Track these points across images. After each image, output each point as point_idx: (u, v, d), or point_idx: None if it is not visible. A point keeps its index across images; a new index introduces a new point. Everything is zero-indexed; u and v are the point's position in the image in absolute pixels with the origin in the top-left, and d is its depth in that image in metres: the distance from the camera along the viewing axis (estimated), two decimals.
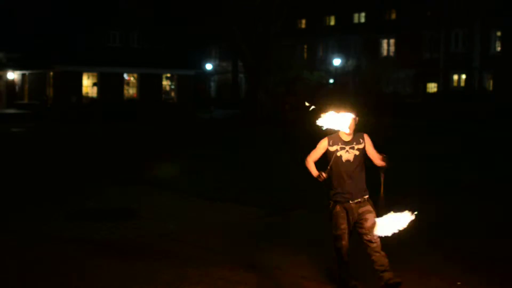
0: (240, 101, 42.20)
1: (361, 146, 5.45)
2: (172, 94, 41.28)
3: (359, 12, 49.23)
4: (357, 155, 5.45)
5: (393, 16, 47.16)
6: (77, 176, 12.87)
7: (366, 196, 5.51)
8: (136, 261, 6.65)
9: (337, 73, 48.22)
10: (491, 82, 41.26)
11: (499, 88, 39.81)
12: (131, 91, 39.42)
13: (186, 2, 36.56)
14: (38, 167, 14.49)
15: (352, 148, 5.45)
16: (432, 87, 44.59)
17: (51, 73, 36.64)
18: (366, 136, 5.51)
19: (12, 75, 39.61)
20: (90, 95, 37.60)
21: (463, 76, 42.65)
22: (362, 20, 49.37)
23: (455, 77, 43.20)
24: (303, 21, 53.62)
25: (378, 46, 48.07)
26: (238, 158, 16.30)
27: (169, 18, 38.47)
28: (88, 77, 37.55)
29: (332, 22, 51.80)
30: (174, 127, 29.12)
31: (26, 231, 8.02)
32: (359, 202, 5.46)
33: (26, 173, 13.39)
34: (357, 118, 5.44)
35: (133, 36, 38.27)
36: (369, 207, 5.46)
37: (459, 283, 5.96)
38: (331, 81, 49.66)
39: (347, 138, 5.48)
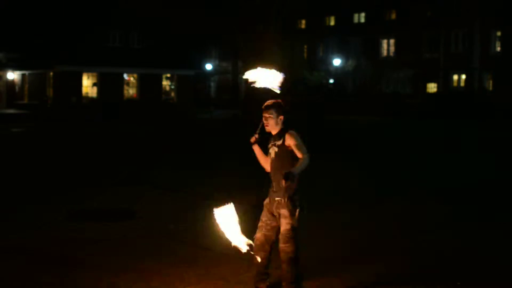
0: (240, 102, 42.19)
1: (279, 143, 5.38)
2: (172, 94, 41.30)
3: (359, 12, 49.26)
4: (277, 152, 5.40)
5: (393, 16, 47.19)
6: (77, 176, 12.88)
7: (284, 198, 5.35)
8: (136, 262, 6.66)
9: (337, 73, 48.25)
10: (491, 82, 41.29)
11: (499, 88, 39.83)
12: (131, 91, 39.45)
13: (186, 2, 36.55)
14: (38, 167, 14.49)
15: (274, 144, 5.43)
16: (432, 87, 44.62)
17: (51, 73, 36.66)
18: (288, 134, 5.36)
19: (12, 75, 39.63)
20: (90, 95, 37.62)
21: (463, 76, 42.69)
22: (362, 20, 49.40)
23: (455, 77, 43.23)
24: (303, 21, 53.64)
25: (378, 46, 48.11)
26: (238, 158, 16.29)
27: (169, 18, 38.49)
28: (88, 77, 37.57)
29: (332, 22, 51.83)
30: (174, 127, 29.12)
31: (26, 231, 8.02)
32: (278, 201, 5.38)
33: (26, 173, 13.39)
34: (280, 117, 5.41)
35: (133, 36, 38.29)
36: (284, 212, 5.33)
37: (459, 283, 5.97)
38: (331, 81, 49.69)
39: (273, 133, 5.49)
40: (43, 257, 6.85)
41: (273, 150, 5.43)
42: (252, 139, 5.50)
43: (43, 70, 37.02)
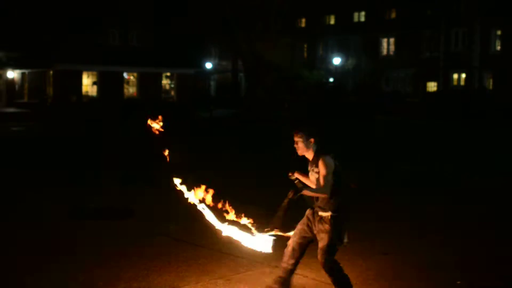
0: (240, 100, 42.19)
1: (317, 170, 5.19)
2: (172, 93, 41.28)
3: (359, 11, 49.24)
4: (318, 178, 5.20)
5: (393, 15, 47.16)
6: (76, 175, 12.86)
7: (325, 214, 5.22)
8: (136, 261, 6.66)
9: (337, 72, 48.24)
10: (491, 81, 41.28)
11: (499, 87, 39.83)
12: (131, 90, 39.44)
13: (186, 1, 36.55)
14: (37, 166, 14.48)
15: (313, 170, 5.26)
16: (432, 86, 44.61)
17: (51, 72, 36.64)
18: (320, 163, 5.16)
19: (12, 74, 39.60)
20: (89, 94, 37.61)
21: (463, 75, 42.67)
22: (362, 19, 49.37)
23: (455, 76, 43.21)
24: (303, 20, 53.62)
25: (378, 45, 48.09)
26: (237, 157, 16.30)
27: (169, 17, 38.48)
28: (88, 76, 37.56)
29: (332, 21, 51.78)
30: (173, 125, 29.05)
31: (26, 230, 8.03)
32: (321, 216, 5.24)
33: (25, 172, 13.38)
34: (311, 139, 5.24)
35: (133, 35, 38.26)
36: (326, 227, 5.19)
37: (458, 282, 5.97)
38: (331, 80, 49.68)
39: (310, 159, 5.31)
40: (42, 255, 6.85)
41: (313, 176, 5.25)
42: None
43: (43, 68, 37.00)
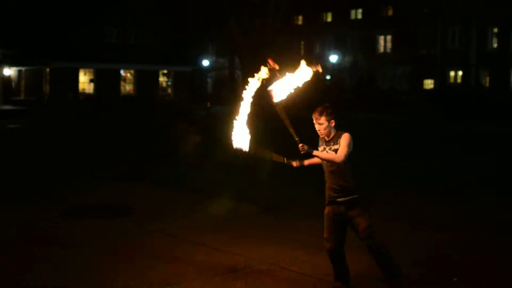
0: (237, 97, 42.11)
1: (337, 147, 5.25)
2: (169, 90, 41.27)
3: (356, 8, 49.24)
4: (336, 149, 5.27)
5: (390, 12, 47.16)
6: (74, 173, 12.86)
7: (348, 198, 5.28)
8: (133, 258, 6.66)
9: (334, 69, 48.23)
10: (488, 78, 41.32)
11: (495, 84, 39.90)
12: (127, 87, 39.40)
13: None
14: (34, 163, 14.47)
15: (330, 149, 5.29)
16: (428, 83, 44.64)
17: (48, 69, 36.58)
18: (343, 136, 5.27)
19: (9, 71, 39.54)
20: (86, 91, 37.57)
21: (460, 73, 42.70)
22: (359, 16, 49.37)
23: (452, 73, 43.24)
24: (300, 18, 53.60)
25: (375, 42, 48.09)
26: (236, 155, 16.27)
27: (167, 14, 38.44)
28: (85, 74, 37.50)
29: (329, 19, 51.79)
30: (170, 123, 29.05)
31: (24, 228, 8.02)
32: (346, 200, 5.28)
33: (22, 170, 13.37)
34: (332, 121, 5.31)
35: (130, 32, 38.23)
36: (358, 210, 5.26)
37: (455, 279, 5.99)
38: (328, 77, 49.69)
39: (327, 139, 5.35)
40: (40, 253, 6.85)
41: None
42: (296, 164, 5.38)
43: (40, 66, 36.94)
